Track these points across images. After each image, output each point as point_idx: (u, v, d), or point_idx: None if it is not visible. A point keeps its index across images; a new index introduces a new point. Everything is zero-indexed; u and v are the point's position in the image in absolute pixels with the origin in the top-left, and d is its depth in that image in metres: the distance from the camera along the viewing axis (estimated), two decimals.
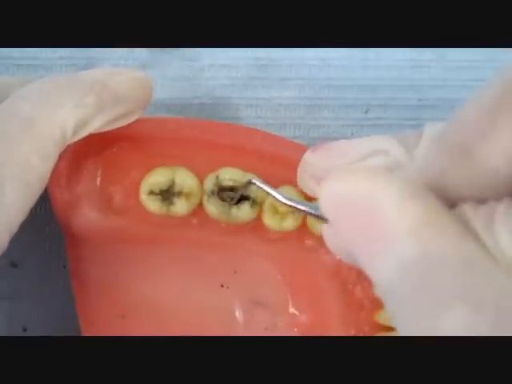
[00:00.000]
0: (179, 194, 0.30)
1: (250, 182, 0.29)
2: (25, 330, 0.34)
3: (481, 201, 0.20)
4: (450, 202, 0.20)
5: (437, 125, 0.26)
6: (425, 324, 0.18)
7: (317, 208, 0.25)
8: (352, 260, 0.23)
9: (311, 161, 0.28)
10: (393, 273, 0.19)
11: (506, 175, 0.19)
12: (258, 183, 0.29)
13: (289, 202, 0.27)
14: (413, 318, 0.19)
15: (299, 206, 0.27)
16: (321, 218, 0.25)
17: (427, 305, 0.18)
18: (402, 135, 0.27)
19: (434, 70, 0.35)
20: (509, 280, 0.18)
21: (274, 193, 0.28)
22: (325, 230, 0.24)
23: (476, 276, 0.18)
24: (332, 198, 0.21)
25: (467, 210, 0.20)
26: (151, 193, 0.30)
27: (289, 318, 0.32)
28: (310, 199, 0.30)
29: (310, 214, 0.26)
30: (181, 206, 0.30)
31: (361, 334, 0.31)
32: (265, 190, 0.29)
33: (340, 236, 0.21)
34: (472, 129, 0.20)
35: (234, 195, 0.30)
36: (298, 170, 0.29)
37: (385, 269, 0.19)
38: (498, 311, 0.18)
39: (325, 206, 0.21)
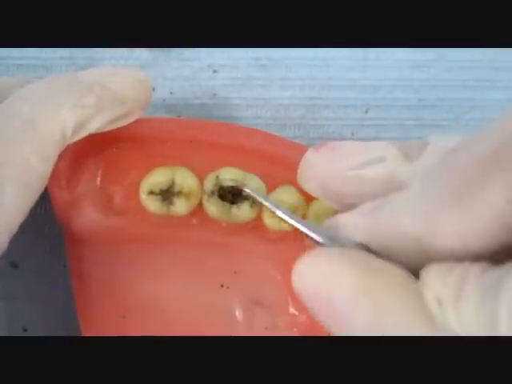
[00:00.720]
0: (179, 193, 0.30)
1: (243, 191, 0.30)
2: (25, 330, 0.34)
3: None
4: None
5: (442, 138, 0.26)
6: None
7: (306, 225, 0.26)
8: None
9: (313, 160, 0.28)
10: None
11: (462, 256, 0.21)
12: (250, 192, 0.30)
13: (279, 214, 0.28)
14: None
15: (288, 220, 0.28)
16: (307, 236, 0.26)
17: None
18: (405, 144, 0.27)
19: (434, 70, 0.35)
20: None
21: (265, 203, 0.29)
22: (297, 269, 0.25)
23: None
24: (301, 282, 0.23)
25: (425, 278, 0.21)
26: (151, 193, 0.30)
27: (289, 318, 0.32)
28: (310, 199, 0.30)
29: (299, 230, 0.27)
30: (181, 206, 0.30)
31: None
32: (257, 199, 0.30)
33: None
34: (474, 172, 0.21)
35: (233, 193, 0.30)
36: (299, 168, 0.29)
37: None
38: None
39: (296, 288, 0.23)
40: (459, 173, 0.21)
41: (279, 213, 0.28)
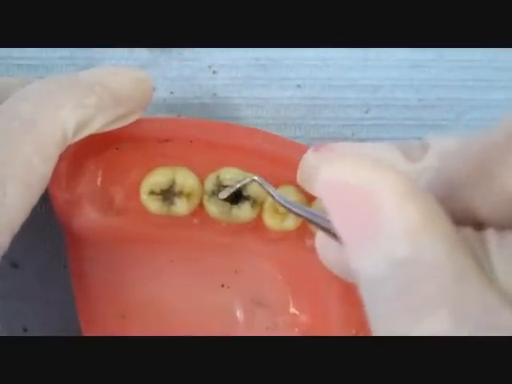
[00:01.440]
0: (180, 193, 0.30)
1: (253, 180, 0.29)
2: (25, 330, 0.34)
3: (497, 227, 0.20)
4: (456, 220, 0.20)
5: (443, 139, 0.26)
6: (401, 325, 0.18)
7: (316, 214, 0.25)
8: (344, 273, 0.22)
9: (312, 160, 0.28)
10: (379, 269, 0.19)
11: None
12: (260, 182, 0.29)
13: (288, 206, 0.27)
14: (390, 318, 0.18)
15: (298, 211, 0.26)
16: (318, 225, 0.24)
17: (409, 307, 0.18)
18: (405, 145, 0.27)
19: (435, 69, 0.35)
20: (495, 301, 0.18)
21: (275, 194, 0.28)
22: (318, 241, 0.24)
23: (465, 289, 0.18)
24: (331, 182, 0.20)
25: (470, 232, 0.19)
26: (152, 193, 0.30)
27: (289, 318, 0.32)
28: (310, 198, 0.30)
29: (309, 220, 0.25)
30: (181, 206, 0.30)
31: (361, 334, 0.31)
32: (266, 190, 0.28)
33: (333, 223, 0.20)
34: (494, 149, 0.20)
35: (232, 191, 0.30)
36: (299, 168, 0.29)
37: (372, 264, 0.19)
38: (477, 329, 0.17)
39: (322, 188, 0.20)
40: (491, 142, 0.20)
41: (287, 205, 0.27)
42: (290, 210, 0.27)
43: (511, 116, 0.20)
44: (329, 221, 0.22)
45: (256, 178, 0.29)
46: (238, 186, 0.30)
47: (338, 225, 0.20)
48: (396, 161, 0.26)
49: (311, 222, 0.25)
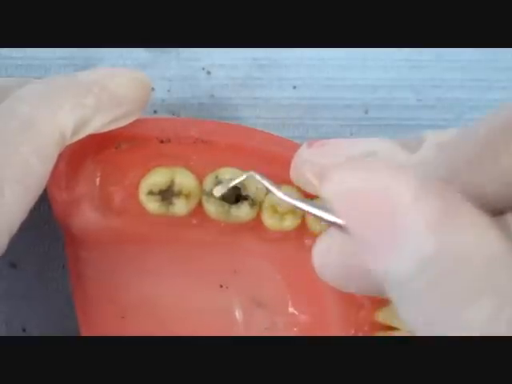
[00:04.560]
0: (179, 194, 0.30)
1: (250, 175, 0.29)
2: (24, 330, 0.34)
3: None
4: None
5: (439, 134, 0.26)
6: (446, 317, 0.18)
7: (317, 207, 0.24)
8: (343, 284, 0.22)
9: (306, 156, 0.28)
10: (409, 268, 0.18)
11: None
12: (257, 177, 0.28)
13: (288, 199, 0.26)
14: (431, 312, 0.18)
15: (299, 204, 0.25)
16: (321, 218, 0.24)
17: (448, 299, 0.18)
18: (400, 139, 0.27)
19: (433, 70, 0.35)
20: None
21: (273, 189, 0.27)
22: (317, 249, 0.23)
23: (500, 273, 0.18)
24: (342, 189, 0.19)
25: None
26: (150, 193, 0.30)
27: (288, 318, 0.32)
28: (308, 197, 0.30)
29: (312, 213, 0.25)
30: (180, 206, 0.30)
31: (360, 334, 0.31)
32: (264, 185, 0.28)
33: (350, 231, 0.20)
34: (499, 132, 0.20)
35: (229, 186, 0.30)
36: (292, 164, 0.29)
37: (400, 264, 0.18)
38: None
39: (334, 198, 0.19)
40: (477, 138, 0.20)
41: (288, 198, 0.26)
42: (292, 205, 0.26)
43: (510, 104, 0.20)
44: (331, 212, 0.22)
45: (253, 172, 0.28)
46: (235, 182, 0.29)
47: (357, 233, 0.19)
48: (393, 151, 0.26)
49: (314, 215, 0.24)
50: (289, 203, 0.26)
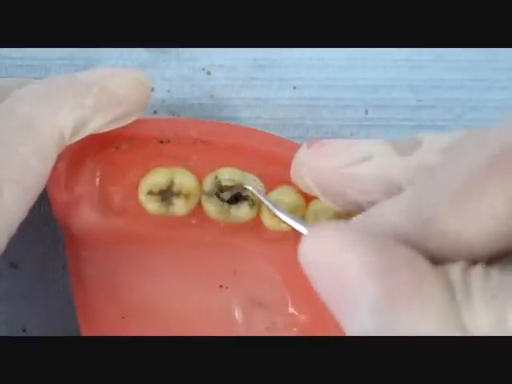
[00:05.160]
0: (178, 194, 0.30)
1: (244, 188, 0.30)
2: (24, 330, 0.34)
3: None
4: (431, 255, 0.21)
5: (435, 136, 0.26)
6: None
7: (304, 224, 0.27)
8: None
9: (304, 157, 0.28)
10: (358, 332, 0.20)
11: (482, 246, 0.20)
12: (251, 189, 0.30)
13: (278, 214, 0.29)
14: None
15: (287, 220, 0.28)
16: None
17: None
18: (395, 141, 0.27)
19: (433, 70, 0.35)
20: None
21: (266, 202, 0.29)
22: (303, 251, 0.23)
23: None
24: (303, 260, 0.22)
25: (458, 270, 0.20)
26: (150, 193, 0.30)
27: (288, 318, 0.32)
28: (309, 199, 0.30)
29: (296, 229, 0.27)
30: (180, 207, 0.30)
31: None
32: (258, 198, 0.30)
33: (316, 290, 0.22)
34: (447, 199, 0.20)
35: (230, 194, 0.30)
36: (292, 164, 0.29)
37: (351, 330, 0.21)
38: None
39: (302, 265, 0.22)
40: (461, 176, 0.21)
41: (279, 214, 0.28)
42: (281, 220, 0.29)
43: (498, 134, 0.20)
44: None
45: (247, 187, 0.30)
46: (235, 191, 0.30)
47: (321, 294, 0.22)
48: (386, 154, 0.26)
49: (293, 229, 0.27)
50: (280, 219, 0.29)
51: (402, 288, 0.20)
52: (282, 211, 0.29)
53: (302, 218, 0.30)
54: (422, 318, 0.19)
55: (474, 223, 0.20)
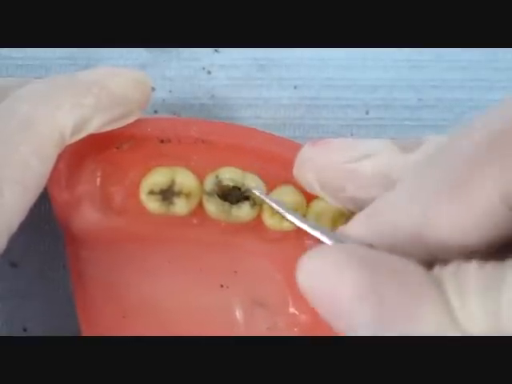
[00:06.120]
0: (179, 193, 0.30)
1: (248, 190, 0.30)
2: (24, 329, 0.34)
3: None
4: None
5: (439, 138, 0.26)
6: None
7: (309, 224, 0.27)
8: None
9: (308, 154, 0.28)
10: None
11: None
12: (256, 192, 0.30)
13: (282, 213, 0.29)
14: None
15: (291, 219, 0.28)
16: (311, 235, 0.26)
17: None
18: (400, 140, 0.27)
19: (434, 69, 0.35)
20: None
21: (270, 202, 0.29)
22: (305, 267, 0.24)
23: None
24: (300, 282, 0.23)
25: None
26: (151, 193, 0.30)
27: (289, 318, 0.32)
28: (310, 198, 0.30)
29: (302, 229, 0.27)
30: (181, 206, 0.30)
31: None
32: (263, 200, 0.30)
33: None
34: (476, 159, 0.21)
35: (235, 194, 0.30)
36: (295, 162, 0.29)
37: None
38: None
39: (300, 286, 0.23)
40: (455, 166, 0.21)
41: (285, 214, 0.29)
42: (286, 220, 0.29)
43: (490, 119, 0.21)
44: (327, 232, 0.25)
45: (252, 189, 0.30)
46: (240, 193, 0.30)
47: (321, 315, 0.22)
48: (390, 151, 0.27)
49: (308, 233, 0.27)
50: (284, 218, 0.29)
51: (393, 306, 0.20)
52: (286, 210, 0.29)
53: (304, 217, 0.30)
54: (416, 328, 0.20)
55: (468, 210, 0.20)
